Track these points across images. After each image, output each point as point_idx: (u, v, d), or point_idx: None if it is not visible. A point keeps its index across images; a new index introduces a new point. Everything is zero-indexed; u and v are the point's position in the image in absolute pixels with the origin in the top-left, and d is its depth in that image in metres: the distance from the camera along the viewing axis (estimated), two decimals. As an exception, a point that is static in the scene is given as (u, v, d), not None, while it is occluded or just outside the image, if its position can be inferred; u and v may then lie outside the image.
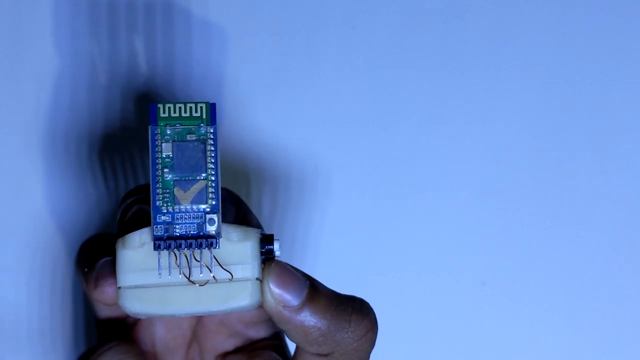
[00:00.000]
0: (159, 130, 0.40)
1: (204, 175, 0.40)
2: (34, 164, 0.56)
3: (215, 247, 0.40)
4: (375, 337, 0.43)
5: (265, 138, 0.58)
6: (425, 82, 0.58)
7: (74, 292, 0.57)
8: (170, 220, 0.40)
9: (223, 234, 0.40)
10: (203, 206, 0.40)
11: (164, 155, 0.40)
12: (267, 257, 0.41)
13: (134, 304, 0.40)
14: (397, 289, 0.58)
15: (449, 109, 0.58)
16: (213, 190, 0.40)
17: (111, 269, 0.41)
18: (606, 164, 0.58)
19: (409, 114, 0.58)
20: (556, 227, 0.58)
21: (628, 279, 0.58)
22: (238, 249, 0.40)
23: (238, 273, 0.40)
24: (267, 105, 0.58)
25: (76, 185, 0.56)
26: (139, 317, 0.41)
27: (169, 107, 0.40)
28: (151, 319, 0.47)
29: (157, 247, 0.40)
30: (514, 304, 0.58)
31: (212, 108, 0.40)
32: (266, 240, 0.41)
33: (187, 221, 0.40)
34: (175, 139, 0.40)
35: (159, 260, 0.40)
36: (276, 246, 0.41)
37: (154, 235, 0.40)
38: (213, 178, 0.40)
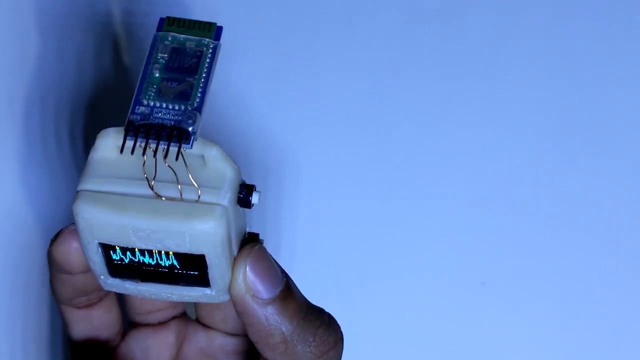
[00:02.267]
0: (161, 36, 0.39)
1: (194, 77, 0.38)
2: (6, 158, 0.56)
3: (189, 146, 0.36)
4: (339, 358, 0.40)
5: (264, 138, 0.58)
6: (425, 82, 0.58)
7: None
8: (148, 112, 0.37)
9: (203, 149, 0.37)
10: (185, 105, 0.37)
11: (159, 57, 0.38)
12: (242, 206, 0.38)
13: (88, 207, 0.36)
14: (397, 289, 0.58)
15: (448, 109, 0.58)
16: (200, 92, 0.37)
17: (75, 232, 0.38)
18: (606, 164, 0.58)
19: (409, 113, 0.58)
20: (556, 227, 0.58)
21: (628, 279, 0.58)
22: (214, 172, 0.37)
23: (207, 196, 0.36)
24: (265, 105, 0.58)
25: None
26: (86, 233, 0.37)
27: (177, 20, 0.39)
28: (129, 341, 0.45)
29: (127, 132, 0.36)
30: (514, 304, 0.58)
31: (218, 29, 0.39)
32: (246, 188, 0.38)
33: (166, 116, 0.37)
34: (175, 44, 0.38)
35: (123, 143, 0.36)
36: (255, 198, 0.38)
37: (128, 118, 0.37)
38: (203, 81, 0.37)
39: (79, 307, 0.43)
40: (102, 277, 0.39)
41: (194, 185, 0.36)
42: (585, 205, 0.58)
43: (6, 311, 0.56)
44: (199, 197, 0.36)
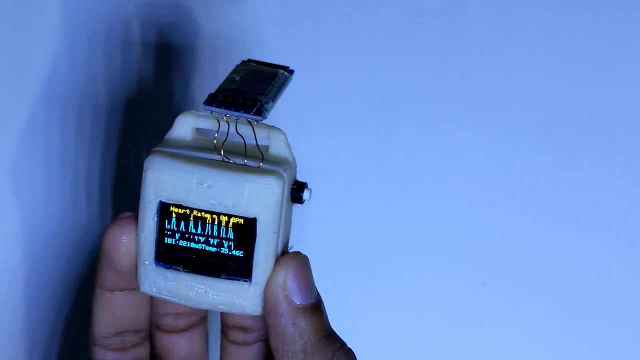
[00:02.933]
0: (240, 63, 0.43)
1: (271, 83, 0.41)
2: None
3: (262, 117, 0.40)
4: None
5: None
6: (424, 82, 0.58)
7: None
8: (227, 95, 0.40)
9: (270, 131, 0.41)
10: (261, 95, 0.40)
11: (239, 70, 0.42)
12: (294, 201, 0.41)
13: (159, 159, 0.40)
14: (398, 289, 0.58)
15: (448, 109, 0.58)
16: (274, 92, 0.41)
17: (132, 214, 0.41)
18: (607, 165, 0.58)
19: (409, 113, 0.58)
20: (556, 227, 0.58)
21: (628, 279, 0.58)
22: (276, 156, 0.41)
23: (268, 167, 0.40)
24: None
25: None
26: (151, 189, 0.40)
27: (254, 61, 0.44)
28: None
29: (208, 102, 0.40)
30: (514, 304, 0.58)
31: (290, 70, 0.44)
32: (298, 184, 0.41)
33: (243, 96, 0.40)
34: (253, 69, 0.43)
35: (209, 99, 0.40)
36: (306, 194, 0.41)
37: (209, 95, 0.40)
38: (277, 87, 0.41)
39: (112, 349, 0.44)
40: (146, 262, 0.41)
41: (259, 155, 0.40)
42: (586, 205, 0.58)
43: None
44: (260, 165, 0.40)
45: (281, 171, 0.40)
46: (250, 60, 0.43)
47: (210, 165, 0.40)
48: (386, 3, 0.58)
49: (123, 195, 0.57)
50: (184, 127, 0.41)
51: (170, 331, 0.46)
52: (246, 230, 0.40)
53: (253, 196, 0.39)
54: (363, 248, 0.58)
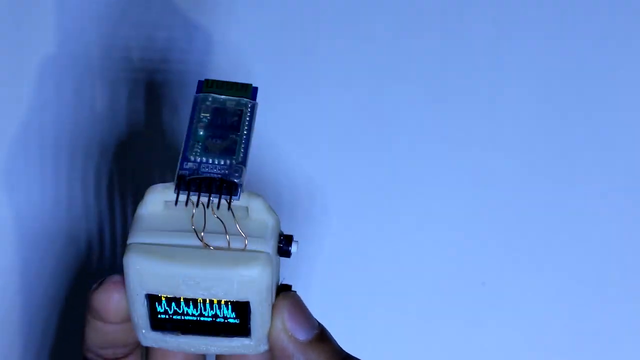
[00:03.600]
0: (202, 97, 0.41)
1: (237, 134, 0.40)
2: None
3: (237, 197, 0.39)
4: None
5: (261, 139, 0.58)
6: (425, 82, 0.58)
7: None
8: (196, 167, 0.39)
9: (248, 200, 0.39)
10: (231, 160, 0.39)
11: (202, 116, 0.40)
12: (281, 255, 0.40)
13: (140, 258, 0.38)
14: (398, 289, 0.58)
15: (449, 108, 0.58)
16: (244, 148, 0.40)
17: (121, 278, 0.40)
18: (607, 165, 0.58)
19: (409, 116, 0.58)
20: (556, 227, 0.58)
21: (628, 279, 0.58)
22: (257, 222, 0.39)
23: (253, 245, 0.38)
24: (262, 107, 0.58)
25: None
26: (136, 284, 0.38)
27: (215, 82, 0.41)
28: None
29: (177, 187, 0.39)
30: (514, 304, 0.58)
31: (254, 90, 0.41)
32: (285, 237, 0.40)
33: (213, 170, 0.39)
34: (216, 105, 0.41)
35: (177, 197, 0.38)
36: (294, 247, 0.40)
37: (178, 173, 0.39)
38: (245, 137, 0.40)
39: (105, 358, 0.44)
40: (143, 331, 0.40)
41: (240, 235, 0.38)
42: (586, 205, 0.58)
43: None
44: (246, 245, 0.38)
45: (267, 249, 0.39)
46: (208, 82, 0.41)
47: (193, 260, 0.38)
48: (386, 3, 0.58)
49: (120, 196, 0.57)
50: (155, 201, 0.40)
51: None
52: (239, 307, 0.39)
53: (243, 286, 0.38)
54: (362, 247, 0.58)
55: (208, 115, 0.40)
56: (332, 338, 0.41)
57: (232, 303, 0.39)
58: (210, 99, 0.41)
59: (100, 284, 0.40)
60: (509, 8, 0.58)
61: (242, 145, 0.40)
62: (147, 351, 0.45)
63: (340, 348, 0.41)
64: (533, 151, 0.58)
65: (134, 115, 0.57)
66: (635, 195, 0.58)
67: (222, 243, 0.38)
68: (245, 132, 0.40)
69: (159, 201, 0.40)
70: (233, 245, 0.38)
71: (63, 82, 0.57)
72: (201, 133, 0.40)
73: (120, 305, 0.40)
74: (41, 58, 0.56)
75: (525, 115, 0.58)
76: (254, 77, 0.57)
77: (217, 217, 0.38)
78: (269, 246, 0.39)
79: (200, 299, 0.39)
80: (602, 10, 0.58)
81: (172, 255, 0.38)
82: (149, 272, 0.38)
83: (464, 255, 0.58)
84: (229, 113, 0.40)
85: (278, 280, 0.41)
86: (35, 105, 0.56)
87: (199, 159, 0.39)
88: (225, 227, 0.38)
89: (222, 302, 0.39)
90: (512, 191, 0.58)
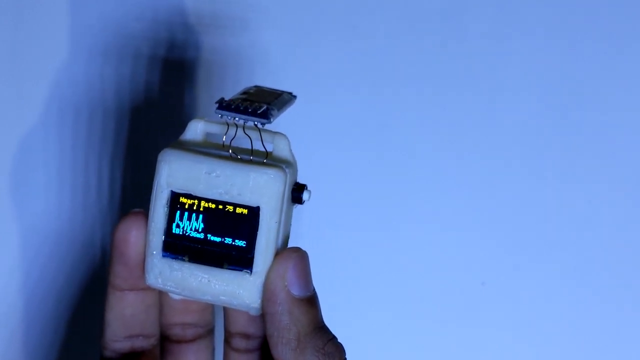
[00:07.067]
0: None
1: (276, 98, 0.45)
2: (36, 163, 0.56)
3: (269, 120, 0.43)
4: None
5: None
6: (425, 82, 0.58)
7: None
8: (236, 101, 0.44)
9: (275, 136, 0.44)
10: (267, 103, 0.44)
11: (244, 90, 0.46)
12: (294, 201, 0.44)
13: (173, 152, 0.43)
14: (397, 289, 0.58)
15: (448, 108, 0.58)
16: (280, 103, 0.44)
17: (141, 214, 0.44)
18: (607, 165, 0.58)
19: (408, 113, 0.58)
20: (556, 227, 0.58)
21: (628, 279, 0.58)
22: (279, 159, 0.44)
23: (272, 161, 0.43)
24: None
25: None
26: (163, 179, 0.42)
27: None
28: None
29: (219, 106, 0.43)
30: (514, 304, 0.58)
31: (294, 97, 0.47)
32: (298, 186, 0.44)
33: (251, 102, 0.43)
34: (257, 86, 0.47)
35: (219, 103, 0.43)
36: (306, 195, 0.44)
37: (220, 99, 0.43)
38: (284, 101, 0.45)
39: (121, 354, 0.46)
40: (154, 252, 0.43)
41: (264, 154, 0.43)
42: (586, 204, 0.58)
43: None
44: (265, 161, 0.43)
45: (284, 167, 0.43)
46: (256, 86, 0.46)
47: (218, 158, 0.43)
48: (386, 3, 0.58)
49: (131, 198, 0.57)
50: (196, 130, 0.45)
51: (178, 341, 0.48)
52: (249, 222, 0.42)
53: (257, 185, 0.42)
54: (362, 247, 0.58)
55: (253, 91, 0.45)
56: (319, 308, 0.43)
57: (243, 218, 0.42)
58: (259, 87, 0.46)
59: (124, 216, 0.44)
60: (509, 8, 0.58)
61: (279, 103, 0.44)
62: (162, 353, 0.47)
63: (322, 319, 0.43)
64: (533, 151, 0.58)
65: (145, 115, 0.57)
66: (635, 195, 0.58)
67: (247, 157, 0.43)
68: (283, 100, 0.45)
69: (199, 131, 0.45)
70: (255, 160, 0.43)
71: (73, 80, 0.57)
72: (245, 94, 0.45)
73: (140, 239, 0.43)
74: (54, 61, 0.57)
75: (525, 115, 0.58)
76: (255, 77, 0.57)
77: (246, 134, 0.43)
78: (285, 169, 0.43)
79: (215, 211, 0.42)
80: (602, 10, 0.58)
81: (200, 153, 0.43)
82: (177, 164, 0.43)
83: (464, 255, 0.58)
84: (270, 93, 0.45)
85: (288, 236, 0.45)
86: (39, 104, 0.56)
87: (242, 98, 0.44)
88: (252, 143, 0.43)
89: (234, 216, 0.42)
90: (512, 191, 0.58)
